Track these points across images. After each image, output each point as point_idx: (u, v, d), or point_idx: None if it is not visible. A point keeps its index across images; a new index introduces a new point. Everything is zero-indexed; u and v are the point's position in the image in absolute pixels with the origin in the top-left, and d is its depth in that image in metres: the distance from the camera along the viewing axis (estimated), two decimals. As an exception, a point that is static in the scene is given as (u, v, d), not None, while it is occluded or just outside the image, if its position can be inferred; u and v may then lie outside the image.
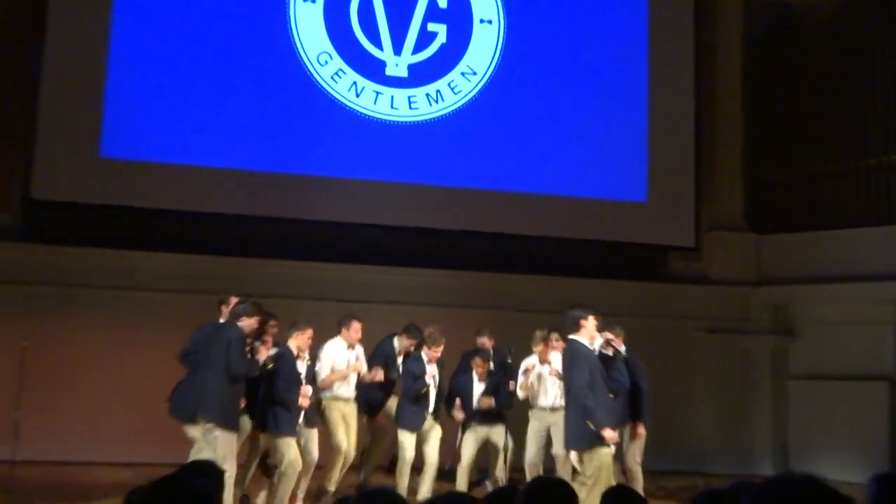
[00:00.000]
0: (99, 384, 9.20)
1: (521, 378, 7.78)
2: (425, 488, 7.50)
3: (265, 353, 6.61)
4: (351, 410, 7.60)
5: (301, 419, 7.00)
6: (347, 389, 7.57)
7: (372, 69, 9.82)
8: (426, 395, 7.62)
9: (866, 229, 10.22)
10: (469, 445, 7.77)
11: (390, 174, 9.83)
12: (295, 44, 9.73)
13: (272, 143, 9.61)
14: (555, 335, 7.59)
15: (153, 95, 9.38)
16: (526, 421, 7.85)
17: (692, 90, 10.73)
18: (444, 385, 7.84)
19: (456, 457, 7.92)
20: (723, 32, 11.13)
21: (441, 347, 7.58)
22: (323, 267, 9.71)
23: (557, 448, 7.55)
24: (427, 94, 9.96)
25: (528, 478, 7.15)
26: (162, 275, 9.39)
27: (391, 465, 7.93)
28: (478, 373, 7.79)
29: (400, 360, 7.97)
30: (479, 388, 7.79)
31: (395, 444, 7.78)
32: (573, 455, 6.53)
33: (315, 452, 7.27)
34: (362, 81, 9.84)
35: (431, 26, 9.91)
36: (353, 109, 9.81)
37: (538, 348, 7.72)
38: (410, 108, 9.90)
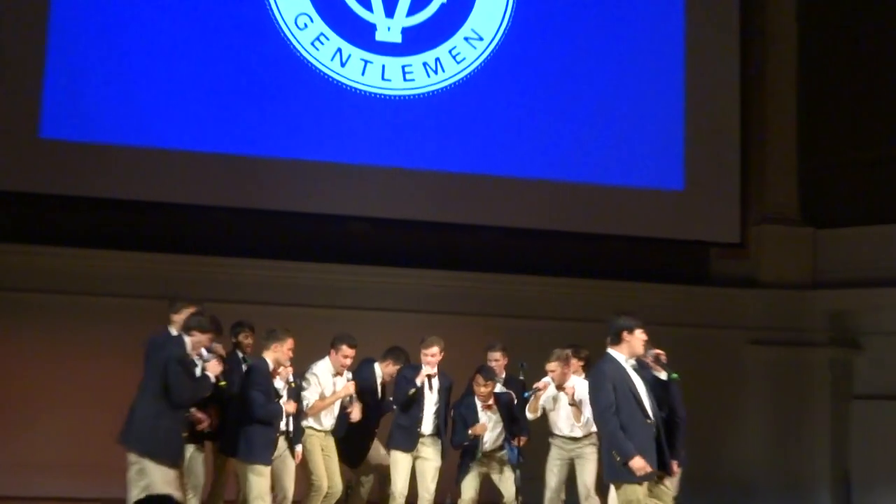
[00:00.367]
0: (40, 405, 8.83)
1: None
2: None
3: (217, 367, 6.26)
4: (331, 443, 7.19)
5: (281, 444, 6.76)
6: (328, 420, 7.20)
7: (359, 34, 9.48)
8: (415, 403, 7.14)
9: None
10: (471, 481, 7.24)
11: (381, 157, 9.43)
12: (269, 4, 9.32)
13: (242, 122, 9.24)
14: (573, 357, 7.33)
15: (101, 65, 8.92)
16: (545, 449, 7.47)
17: (737, 61, 10.31)
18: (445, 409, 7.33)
19: (455, 493, 7.46)
20: (774, -2, 11.00)
21: (434, 350, 7.15)
22: (302, 267, 9.38)
23: (583, 482, 7.24)
24: (424, 64, 9.54)
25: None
26: (114, 277, 9.08)
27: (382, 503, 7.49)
28: (479, 395, 7.19)
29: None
30: (484, 415, 7.21)
31: (386, 480, 7.33)
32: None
33: (290, 487, 6.91)
34: (348, 48, 9.44)
35: (430, -18, 9.69)
36: (338, 81, 9.41)
37: (552, 368, 7.17)
38: (405, 79, 9.53)
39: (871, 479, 9.95)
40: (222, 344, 6.71)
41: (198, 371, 6.16)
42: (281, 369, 6.66)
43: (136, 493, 5.87)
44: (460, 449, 7.25)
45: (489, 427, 7.13)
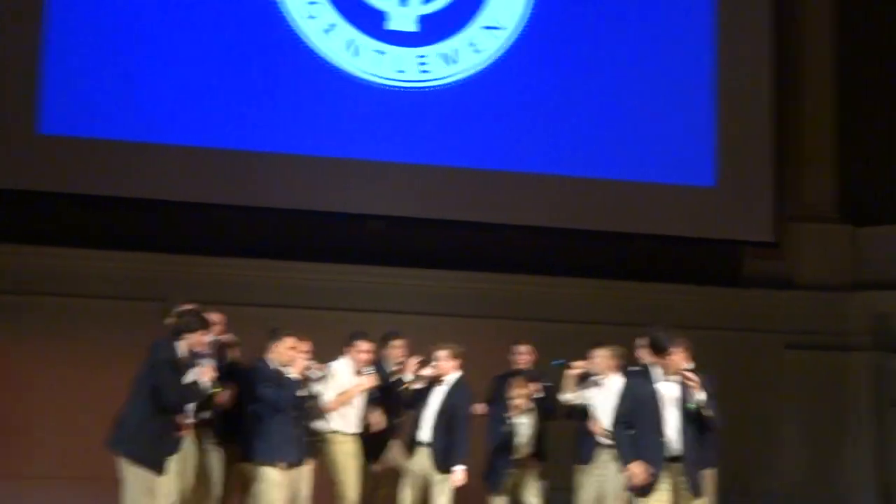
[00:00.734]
0: (33, 413, 8.77)
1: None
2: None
3: (209, 372, 6.17)
4: (356, 450, 7.10)
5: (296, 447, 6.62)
6: (355, 422, 7.12)
7: (372, 23, 9.41)
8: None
9: None
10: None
11: (396, 153, 9.37)
12: (276, -9, 9.35)
13: (249, 117, 9.18)
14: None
15: (101, 58, 8.89)
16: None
17: (771, 50, 10.16)
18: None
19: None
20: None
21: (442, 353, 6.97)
22: (314, 268, 9.33)
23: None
24: (441, 54, 9.48)
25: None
26: (114, 278, 9.04)
27: None
28: (517, 399, 7.03)
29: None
30: (523, 422, 7.09)
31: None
32: None
33: (305, 495, 6.73)
34: (360, 38, 9.37)
35: (446, -33, 9.65)
36: (349, 73, 9.34)
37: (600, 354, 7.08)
38: (420, 70, 9.47)
39: (916, 490, 9.82)
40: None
41: (191, 376, 6.08)
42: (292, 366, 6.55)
43: None
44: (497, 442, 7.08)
45: (521, 432, 6.98)
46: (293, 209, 9.24)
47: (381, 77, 9.31)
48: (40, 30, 8.78)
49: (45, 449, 8.66)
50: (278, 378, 6.48)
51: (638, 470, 5.88)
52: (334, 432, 7.00)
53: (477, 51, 9.49)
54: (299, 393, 6.64)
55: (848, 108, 10.65)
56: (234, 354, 6.76)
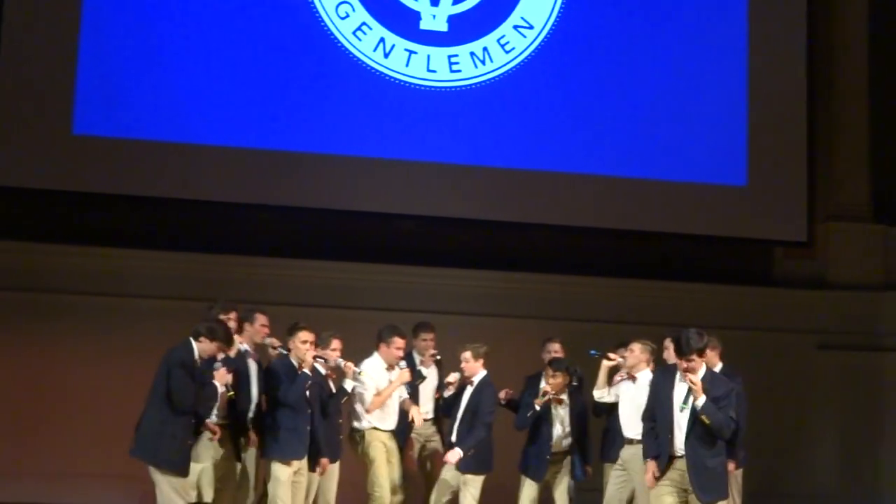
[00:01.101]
0: (75, 413, 8.80)
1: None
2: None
3: (225, 376, 6.23)
4: (395, 446, 7.08)
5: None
6: (391, 419, 7.10)
7: (403, 23, 9.35)
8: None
9: None
10: (528, 495, 7.01)
11: (426, 153, 9.33)
12: (309, -8, 9.29)
13: (281, 116, 9.14)
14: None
15: (135, 58, 8.86)
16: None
17: (804, 46, 10.08)
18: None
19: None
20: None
21: (466, 355, 7.04)
22: (345, 268, 9.32)
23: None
24: (472, 54, 9.41)
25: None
26: (154, 277, 9.04)
27: None
28: (552, 386, 6.97)
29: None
30: (558, 413, 7.03)
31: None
32: None
33: (331, 496, 6.84)
34: (392, 38, 9.31)
35: (477, -33, 9.54)
36: (381, 73, 9.28)
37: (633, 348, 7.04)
38: (451, 70, 9.40)
39: (953, 493, 9.67)
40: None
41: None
42: (307, 361, 6.53)
43: None
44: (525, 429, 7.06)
45: (557, 423, 6.95)
46: (324, 208, 9.22)
47: (412, 77, 9.26)
48: (76, 31, 8.76)
49: (88, 447, 8.67)
50: (292, 374, 6.44)
51: (649, 466, 6.09)
52: (373, 429, 6.94)
53: (507, 50, 9.40)
54: (329, 390, 6.61)
55: (881, 107, 10.56)
56: (275, 356, 6.73)
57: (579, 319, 9.20)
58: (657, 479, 6.03)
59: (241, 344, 6.68)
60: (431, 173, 9.29)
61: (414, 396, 7.26)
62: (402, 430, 7.26)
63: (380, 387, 6.98)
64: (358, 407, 6.95)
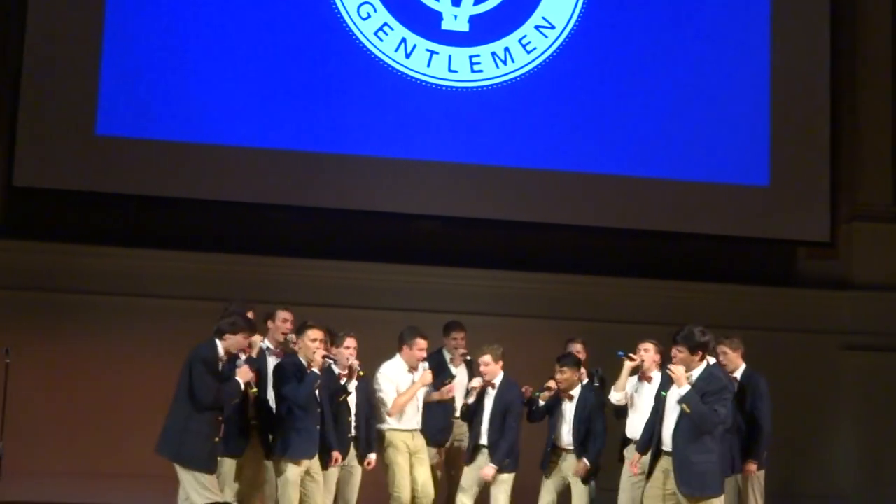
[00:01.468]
0: (96, 411, 8.84)
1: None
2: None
3: (247, 373, 6.19)
4: (421, 444, 7.03)
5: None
6: (414, 418, 7.07)
7: (425, 23, 9.39)
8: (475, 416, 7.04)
9: None
10: (547, 495, 6.99)
11: (446, 153, 9.37)
12: (331, -7, 9.30)
13: (303, 117, 9.20)
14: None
15: (158, 59, 8.94)
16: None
17: (828, 45, 10.06)
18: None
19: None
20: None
21: (486, 358, 7.02)
22: (366, 268, 9.31)
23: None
24: (493, 54, 9.43)
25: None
26: (176, 278, 9.06)
27: None
28: (560, 381, 6.97)
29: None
30: (567, 408, 6.99)
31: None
32: None
33: (352, 500, 6.85)
34: (413, 38, 9.34)
35: (498, -33, 9.50)
36: (403, 73, 9.32)
37: (646, 347, 7.03)
38: (472, 70, 9.42)
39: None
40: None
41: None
42: (317, 360, 6.48)
43: None
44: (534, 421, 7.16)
45: (563, 419, 6.90)
46: (345, 209, 9.23)
47: (433, 77, 9.29)
48: (100, 33, 8.83)
49: (109, 446, 8.72)
50: (300, 373, 6.41)
51: (633, 457, 6.45)
52: (393, 430, 6.93)
53: (529, 50, 9.42)
54: (336, 388, 6.55)
55: None
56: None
57: (600, 320, 9.19)
58: (647, 476, 6.18)
59: (262, 342, 6.70)
60: (452, 173, 9.30)
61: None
62: (442, 430, 7.32)
63: (401, 389, 6.96)
64: (380, 408, 6.95)
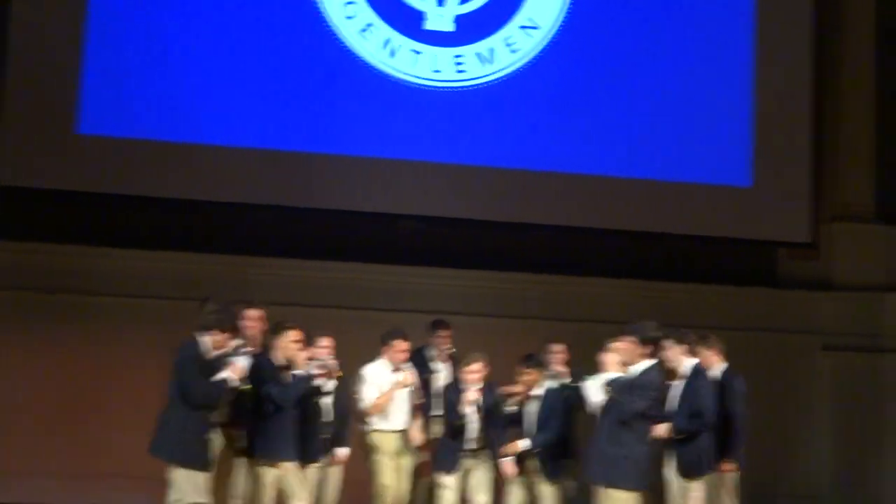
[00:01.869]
0: (82, 412, 8.91)
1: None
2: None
3: (239, 370, 6.19)
4: (399, 448, 7.16)
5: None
6: (399, 418, 7.15)
7: (409, 22, 9.35)
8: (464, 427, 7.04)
9: None
10: (515, 495, 7.11)
11: (431, 153, 9.32)
12: (314, -9, 9.25)
13: (285, 116, 9.14)
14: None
15: (140, 58, 8.89)
16: None
17: (810, 46, 10.03)
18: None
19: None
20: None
21: (477, 366, 7.03)
22: (349, 268, 9.32)
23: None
24: (477, 54, 9.40)
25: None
26: (158, 277, 9.07)
27: None
28: (523, 383, 7.04)
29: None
30: (530, 410, 7.07)
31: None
32: None
33: (331, 499, 6.91)
34: (397, 38, 9.31)
35: (483, -34, 9.49)
36: (386, 73, 9.28)
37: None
38: (457, 70, 9.39)
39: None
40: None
41: (221, 373, 6.10)
42: (299, 362, 6.47)
43: None
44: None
45: (526, 421, 6.96)
46: (328, 209, 9.20)
47: (417, 77, 9.25)
48: (80, 30, 8.77)
49: (106, 447, 8.73)
50: (280, 374, 6.39)
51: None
52: (375, 431, 6.99)
53: (513, 50, 9.38)
54: (306, 388, 6.50)
55: (886, 107, 10.47)
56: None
57: (583, 320, 9.16)
58: None
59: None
60: (436, 173, 9.27)
61: (425, 389, 7.36)
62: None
63: (383, 390, 7.03)
64: (362, 411, 7.01)
